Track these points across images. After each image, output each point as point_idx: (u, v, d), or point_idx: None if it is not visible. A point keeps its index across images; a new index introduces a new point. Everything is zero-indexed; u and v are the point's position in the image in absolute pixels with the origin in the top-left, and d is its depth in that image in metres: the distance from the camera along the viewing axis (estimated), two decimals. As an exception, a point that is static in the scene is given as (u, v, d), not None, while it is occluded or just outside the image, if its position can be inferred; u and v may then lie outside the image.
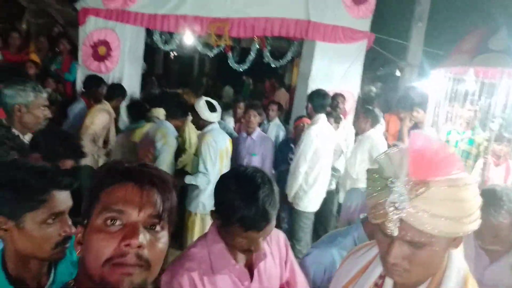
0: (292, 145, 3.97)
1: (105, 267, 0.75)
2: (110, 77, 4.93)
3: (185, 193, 3.34)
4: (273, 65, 5.91)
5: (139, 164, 0.86)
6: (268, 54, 5.83)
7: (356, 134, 4.19)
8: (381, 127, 4.23)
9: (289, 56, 5.83)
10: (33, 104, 2.13)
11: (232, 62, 5.95)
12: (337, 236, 1.55)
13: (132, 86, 5.01)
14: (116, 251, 0.75)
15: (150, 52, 7.62)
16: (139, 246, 0.76)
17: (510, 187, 1.79)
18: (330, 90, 4.30)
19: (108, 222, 0.77)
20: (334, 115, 4.19)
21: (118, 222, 0.77)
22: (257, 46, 5.73)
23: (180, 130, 3.42)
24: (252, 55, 5.76)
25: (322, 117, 3.51)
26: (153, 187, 0.81)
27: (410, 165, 0.91)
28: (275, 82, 8.50)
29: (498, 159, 3.34)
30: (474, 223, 0.92)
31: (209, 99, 3.30)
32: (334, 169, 4.01)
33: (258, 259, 1.39)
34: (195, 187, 3.19)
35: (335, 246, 1.51)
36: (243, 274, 1.36)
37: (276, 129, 4.84)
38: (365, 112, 3.79)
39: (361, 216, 1.56)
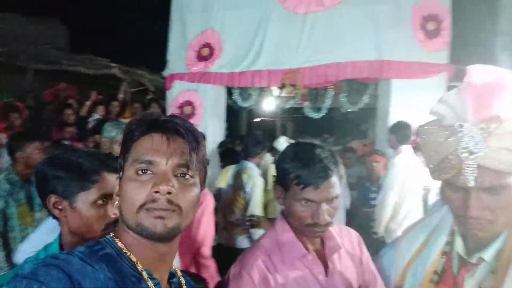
0: (367, 184, 3.88)
1: (140, 213, 0.80)
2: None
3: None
4: (349, 110, 5.88)
5: (167, 115, 0.90)
6: (344, 99, 5.85)
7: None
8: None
9: (365, 99, 5.78)
10: (115, 140, 2.43)
11: (308, 111, 6.05)
12: None
13: (215, 141, 5.29)
14: (148, 197, 0.80)
15: (234, 118, 8.12)
16: (169, 193, 0.80)
17: None
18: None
19: (140, 172, 0.82)
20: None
21: (148, 172, 0.82)
22: (333, 93, 5.79)
23: (259, 167, 3.50)
24: (327, 102, 5.82)
25: (406, 148, 3.46)
26: (180, 136, 0.85)
27: (475, 103, 0.84)
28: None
29: None
30: None
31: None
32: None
33: (332, 250, 1.31)
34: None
35: None
36: (317, 266, 1.27)
37: None
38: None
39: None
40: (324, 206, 1.22)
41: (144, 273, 0.83)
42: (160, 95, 6.39)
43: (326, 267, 1.30)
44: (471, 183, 0.85)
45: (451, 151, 0.87)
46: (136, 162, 0.83)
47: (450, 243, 1.04)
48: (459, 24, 4.86)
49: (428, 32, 4.79)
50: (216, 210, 3.65)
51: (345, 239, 1.40)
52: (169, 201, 0.80)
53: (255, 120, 13.23)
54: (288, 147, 1.35)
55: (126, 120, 5.91)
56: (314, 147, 1.26)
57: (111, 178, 1.25)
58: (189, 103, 5.45)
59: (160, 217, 0.80)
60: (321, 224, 1.23)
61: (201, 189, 0.90)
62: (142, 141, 0.85)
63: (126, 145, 0.87)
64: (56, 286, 0.70)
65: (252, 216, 3.23)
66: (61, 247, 1.25)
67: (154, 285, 0.84)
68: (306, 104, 6.19)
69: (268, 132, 13.44)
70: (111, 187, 1.24)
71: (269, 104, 7.45)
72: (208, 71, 5.37)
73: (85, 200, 1.21)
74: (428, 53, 4.77)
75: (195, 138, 0.87)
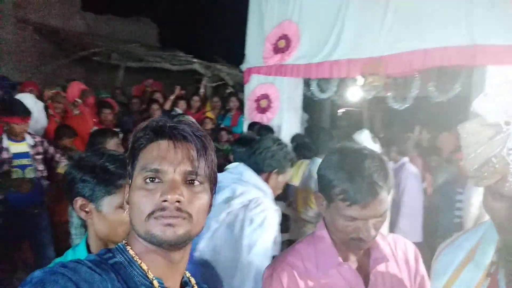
0: (453, 186, 3.50)
1: (149, 221, 0.79)
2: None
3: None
4: (438, 100, 5.39)
5: (174, 120, 0.87)
6: (432, 88, 5.39)
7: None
8: None
9: (457, 89, 5.26)
10: None
11: (391, 102, 5.68)
12: None
13: (291, 133, 5.22)
14: (156, 206, 0.78)
15: (316, 109, 7.97)
16: (178, 201, 0.78)
17: None
18: None
19: (148, 180, 0.81)
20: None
21: (156, 180, 0.80)
22: (419, 82, 5.35)
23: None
24: (413, 92, 5.39)
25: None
26: (187, 142, 0.82)
27: None
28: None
29: None
30: None
31: None
32: None
33: (376, 262, 1.20)
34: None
35: None
36: (353, 277, 1.18)
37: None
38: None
39: None
40: (371, 222, 1.12)
41: (155, 281, 0.82)
42: (240, 89, 6.50)
43: (369, 278, 1.21)
44: None
45: (495, 152, 0.75)
46: (143, 170, 0.82)
47: (496, 263, 0.88)
48: None
49: (533, 10, 4.18)
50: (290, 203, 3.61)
51: (399, 251, 1.29)
52: (178, 209, 0.79)
53: (339, 111, 12.81)
54: (333, 153, 1.23)
55: (208, 114, 6.12)
56: (362, 157, 1.13)
57: None
58: (265, 96, 5.44)
59: (170, 225, 0.79)
60: (365, 240, 1.14)
61: (212, 195, 0.88)
62: (149, 148, 0.84)
63: (134, 153, 0.86)
64: None
65: None
66: (88, 249, 1.29)
67: None
68: (390, 94, 5.82)
69: (353, 124, 12.98)
70: None
71: (353, 94, 7.13)
72: (284, 63, 5.30)
73: (110, 204, 1.23)
74: (532, 34, 4.18)
75: (203, 144, 0.85)
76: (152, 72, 7.69)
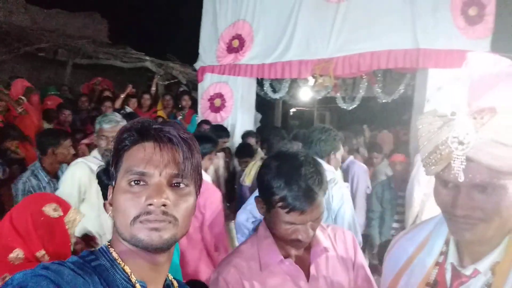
0: (391, 185, 3.68)
1: (134, 225, 0.77)
2: (224, 125, 5.27)
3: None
4: (384, 100, 5.64)
5: (158, 122, 0.85)
6: (378, 90, 5.63)
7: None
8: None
9: (401, 89, 5.53)
10: (105, 130, 2.62)
11: (340, 102, 5.88)
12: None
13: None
14: (142, 209, 0.77)
15: (269, 109, 8.06)
16: (164, 205, 0.77)
17: None
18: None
19: (132, 183, 0.79)
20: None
21: (141, 183, 0.79)
22: (366, 83, 5.58)
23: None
24: (361, 93, 5.62)
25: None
26: (173, 145, 0.81)
27: (470, 92, 0.80)
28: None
29: None
30: None
31: None
32: None
33: (316, 254, 1.26)
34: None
35: None
36: (295, 272, 1.23)
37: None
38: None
39: None
40: (309, 224, 1.19)
41: (137, 285, 0.81)
42: (193, 87, 6.45)
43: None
44: (461, 178, 0.78)
45: (441, 140, 0.82)
46: (128, 173, 0.80)
47: (444, 253, 0.96)
48: (504, 8, 4.51)
49: (470, 18, 4.48)
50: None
51: (338, 242, 1.35)
52: (164, 213, 0.78)
53: (291, 110, 13.08)
54: (271, 159, 1.28)
55: (159, 113, 6.02)
56: (298, 163, 1.20)
57: None
58: (219, 95, 5.44)
59: (156, 229, 0.77)
60: (304, 241, 1.21)
61: (197, 197, 0.88)
62: (133, 150, 0.82)
63: (118, 154, 0.84)
64: None
65: None
66: None
67: None
68: (339, 94, 6.02)
69: (305, 123, 13.29)
70: None
71: (305, 94, 7.31)
72: (238, 63, 5.33)
73: None
74: (468, 41, 4.47)
75: (189, 146, 0.83)
76: (102, 69, 7.45)
